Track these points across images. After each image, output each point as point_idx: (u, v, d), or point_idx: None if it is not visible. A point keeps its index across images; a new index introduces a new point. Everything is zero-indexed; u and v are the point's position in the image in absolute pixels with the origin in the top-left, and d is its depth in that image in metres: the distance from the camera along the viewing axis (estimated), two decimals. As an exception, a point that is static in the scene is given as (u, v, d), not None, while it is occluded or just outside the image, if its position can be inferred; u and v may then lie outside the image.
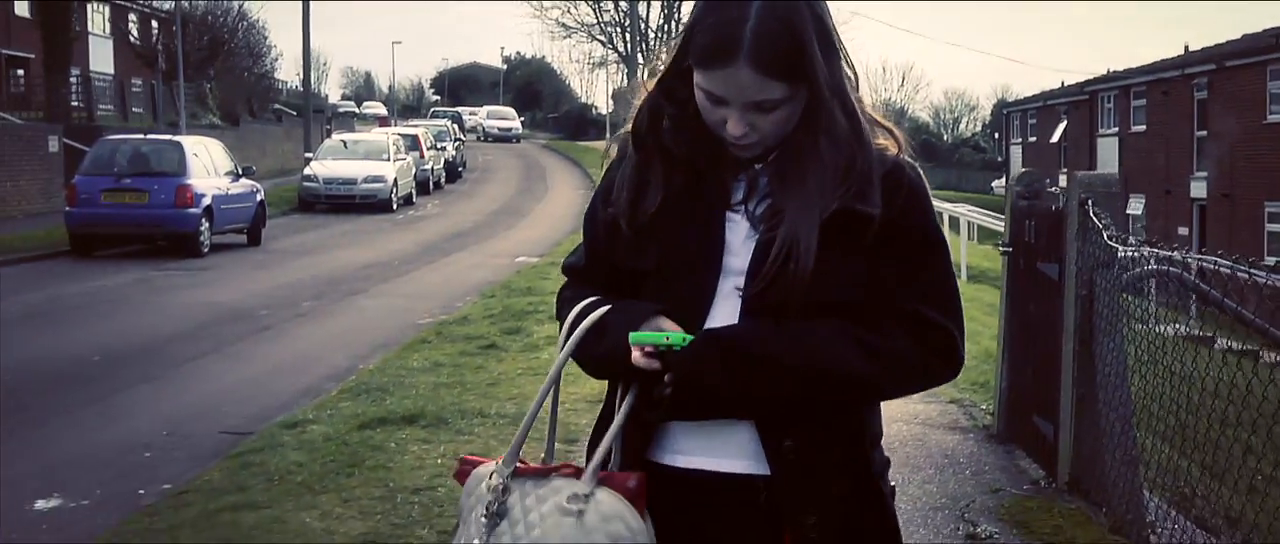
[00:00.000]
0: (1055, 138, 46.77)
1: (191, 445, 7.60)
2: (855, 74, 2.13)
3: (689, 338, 2.03)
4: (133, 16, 54.27)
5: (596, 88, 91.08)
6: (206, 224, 19.96)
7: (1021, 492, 6.04)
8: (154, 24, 52.84)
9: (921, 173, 2.17)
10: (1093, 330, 5.57)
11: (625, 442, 2.11)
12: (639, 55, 54.12)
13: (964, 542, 5.28)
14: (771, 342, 2.03)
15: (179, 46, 31.83)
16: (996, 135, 69.31)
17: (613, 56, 72.85)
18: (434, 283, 16.74)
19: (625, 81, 69.71)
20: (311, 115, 37.61)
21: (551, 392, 2.17)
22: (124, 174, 19.81)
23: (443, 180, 39.23)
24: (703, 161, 2.12)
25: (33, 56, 46.83)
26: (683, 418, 2.10)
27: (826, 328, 2.04)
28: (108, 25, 51.76)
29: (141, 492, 6.55)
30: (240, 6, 50.55)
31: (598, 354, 2.12)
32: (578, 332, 2.12)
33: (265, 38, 58.96)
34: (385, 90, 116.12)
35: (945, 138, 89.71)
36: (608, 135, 59.18)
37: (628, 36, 68.10)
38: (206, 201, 19.91)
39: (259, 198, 22.41)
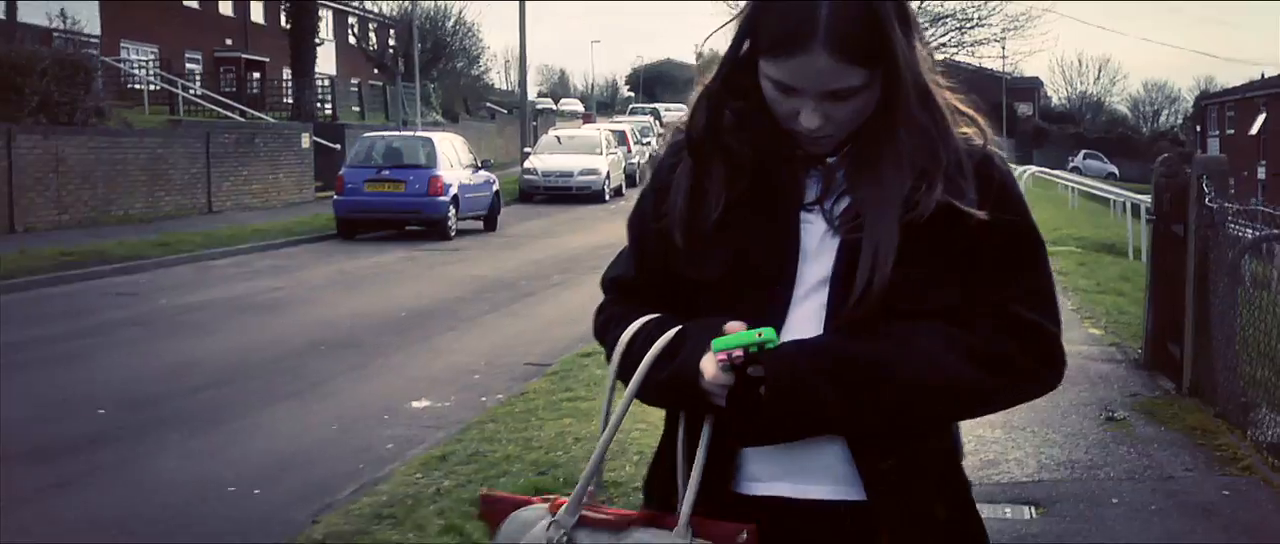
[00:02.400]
0: (1254, 130, 47.04)
1: (507, 372, 9.89)
2: (932, 57, 1.94)
3: (779, 339, 1.80)
4: (351, 20, 58.25)
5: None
6: (454, 211, 22.57)
7: (1153, 396, 7.99)
8: (371, 27, 56.63)
9: (1009, 167, 1.99)
10: (1206, 273, 7.47)
11: (708, 468, 1.87)
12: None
13: (1103, 422, 7.23)
14: (873, 346, 1.81)
15: (415, 51, 34.82)
16: (1198, 128, 69.03)
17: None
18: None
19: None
20: (526, 113, 40.47)
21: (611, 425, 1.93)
22: (383, 166, 22.55)
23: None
24: (771, 159, 1.91)
25: (268, 60, 50.88)
26: (773, 438, 1.87)
27: (931, 332, 1.84)
28: (330, 31, 55.65)
29: (483, 398, 8.83)
30: (460, 11, 53.87)
31: (663, 378, 1.86)
32: (651, 353, 1.86)
33: (480, 39, 62.55)
34: (579, 87, 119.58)
35: (1144, 130, 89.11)
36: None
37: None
38: (454, 191, 22.52)
39: (495, 188, 25.00)
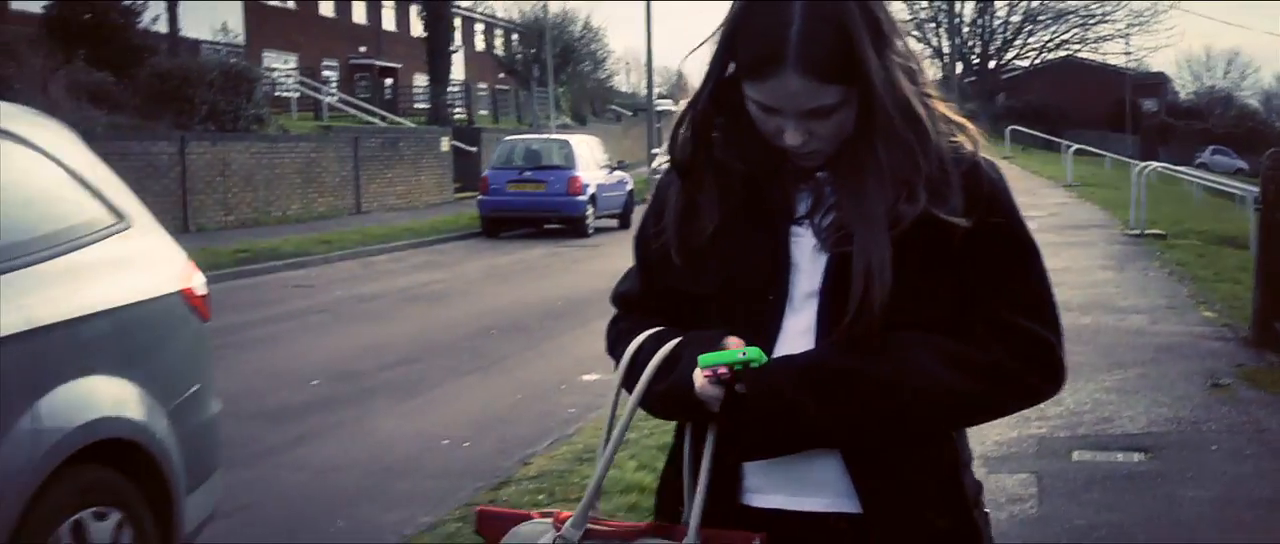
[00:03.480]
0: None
1: (661, 350, 10.93)
2: (917, 65, 1.89)
3: (766, 357, 1.83)
4: (479, 26, 59.96)
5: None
6: (591, 209, 23.74)
7: (1257, 366, 8.80)
8: (499, 33, 58.24)
9: (1001, 171, 1.96)
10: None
11: (712, 483, 1.89)
12: (951, 49, 56.16)
13: (1208, 388, 8.09)
14: (857, 357, 1.83)
15: (548, 56, 36.12)
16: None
17: (927, 51, 74.62)
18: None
19: (939, 75, 71.58)
20: (652, 115, 41.51)
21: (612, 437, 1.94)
22: (524, 168, 23.79)
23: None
24: (762, 174, 1.91)
25: (400, 67, 52.64)
26: (763, 454, 1.88)
27: (916, 342, 1.85)
28: (459, 37, 57.37)
29: (645, 372, 9.87)
30: (588, 15, 55.22)
31: (662, 390, 1.88)
32: (651, 365, 1.89)
33: (606, 43, 64.07)
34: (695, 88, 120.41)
35: (1277, 124, 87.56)
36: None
37: (942, 32, 69.99)
38: (591, 190, 23.69)
39: (629, 187, 26.11)
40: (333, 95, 38.27)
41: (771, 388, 1.81)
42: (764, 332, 1.88)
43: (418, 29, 53.21)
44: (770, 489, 1.93)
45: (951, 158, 1.88)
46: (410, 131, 33.01)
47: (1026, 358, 1.88)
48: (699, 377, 1.82)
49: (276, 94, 38.78)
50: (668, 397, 1.89)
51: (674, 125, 1.97)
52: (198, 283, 4.62)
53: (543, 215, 23.77)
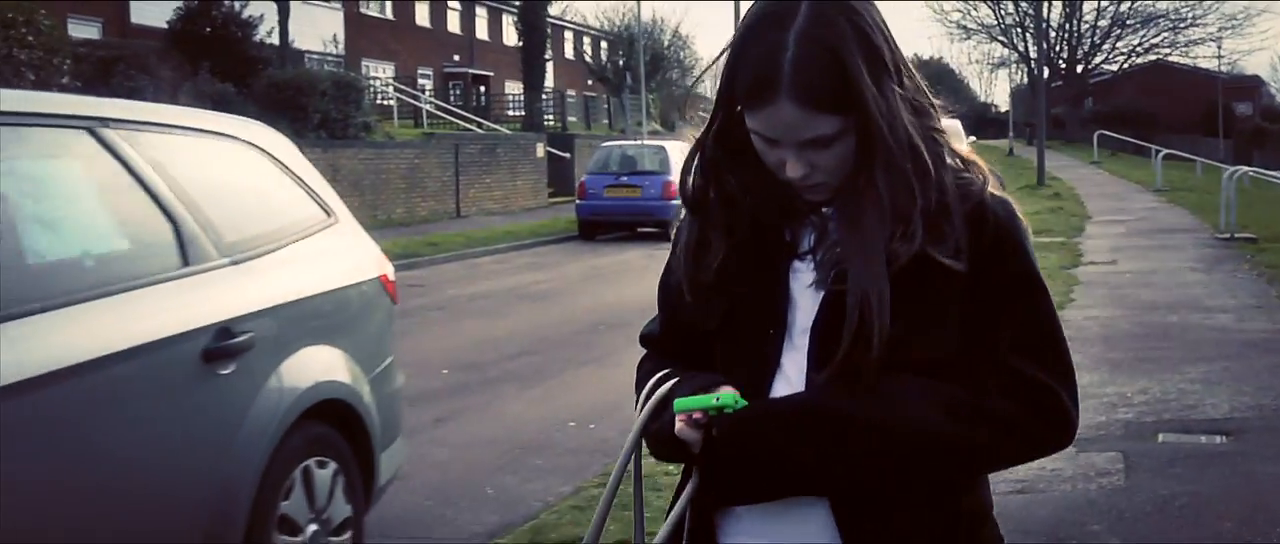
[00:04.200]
0: None
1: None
2: (928, 101, 1.85)
3: (744, 402, 1.78)
4: (568, 34, 60.95)
5: (996, 87, 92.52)
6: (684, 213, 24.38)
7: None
8: (588, 41, 59.13)
9: (1014, 208, 1.87)
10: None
11: (692, 527, 1.89)
12: (1037, 54, 56.05)
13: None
14: (844, 400, 1.76)
15: (641, 64, 36.86)
16: None
17: (1013, 57, 74.47)
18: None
19: (1026, 81, 71.37)
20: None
21: (628, 473, 1.88)
22: (620, 173, 24.53)
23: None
24: (768, 210, 1.86)
25: (492, 74, 53.64)
26: (740, 499, 1.85)
27: (910, 385, 1.78)
28: (550, 46, 58.38)
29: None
30: (677, 25, 55.99)
31: (654, 430, 1.87)
32: (646, 408, 1.88)
33: (694, 51, 64.77)
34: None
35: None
36: (1009, 134, 60.90)
37: (1028, 36, 69.80)
38: (686, 195, 24.37)
39: (721, 192, 26.77)
40: (429, 103, 39.24)
41: (744, 433, 1.78)
42: (763, 368, 1.85)
43: (509, 37, 54.29)
44: (757, 534, 1.87)
45: (956, 195, 1.82)
46: (507, 138, 33.89)
47: (1030, 405, 1.80)
48: (678, 420, 1.80)
49: (380, 102, 39.92)
50: (658, 438, 1.88)
51: (686, 159, 1.96)
52: (389, 270, 5.33)
53: (638, 219, 24.49)
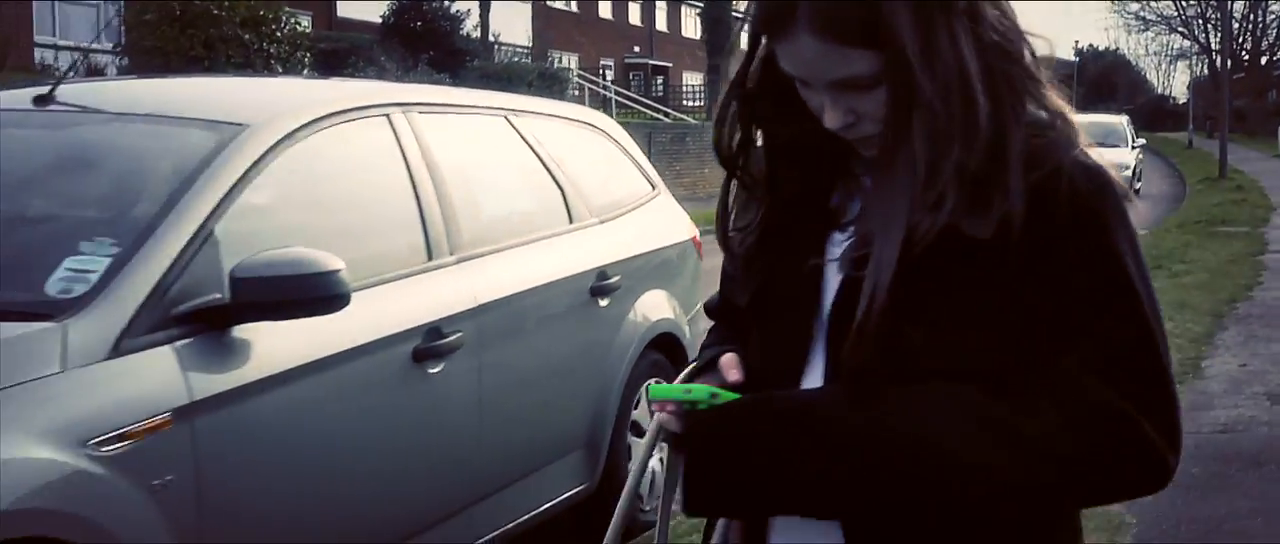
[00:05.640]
0: None
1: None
2: (1013, 36, 1.47)
3: (725, 395, 1.51)
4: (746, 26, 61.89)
5: (1175, 79, 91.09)
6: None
7: None
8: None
9: (1109, 179, 1.47)
10: None
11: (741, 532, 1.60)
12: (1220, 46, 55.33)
13: None
14: (848, 405, 1.44)
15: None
16: None
17: (1194, 48, 73.42)
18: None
19: (1206, 73, 70.30)
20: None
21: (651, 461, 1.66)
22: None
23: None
24: (821, 165, 1.56)
25: (670, 65, 54.99)
26: (708, 510, 1.55)
27: (941, 395, 1.42)
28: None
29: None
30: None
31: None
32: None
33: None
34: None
35: None
36: (1188, 127, 60.17)
37: (1210, 28, 68.79)
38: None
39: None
40: (617, 92, 40.71)
41: (711, 434, 1.49)
42: (793, 359, 1.56)
43: (688, 29, 55.62)
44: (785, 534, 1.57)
45: (1021, 155, 1.45)
46: (695, 127, 35.10)
47: (1091, 432, 1.41)
48: (655, 410, 1.58)
49: (568, 94, 41.57)
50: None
51: (719, 107, 1.63)
52: (697, 234, 6.54)
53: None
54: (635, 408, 5.57)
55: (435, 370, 4.18)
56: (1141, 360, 1.44)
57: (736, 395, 1.52)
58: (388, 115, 4.53)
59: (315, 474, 3.72)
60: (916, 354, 1.45)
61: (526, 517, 4.85)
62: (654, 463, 5.67)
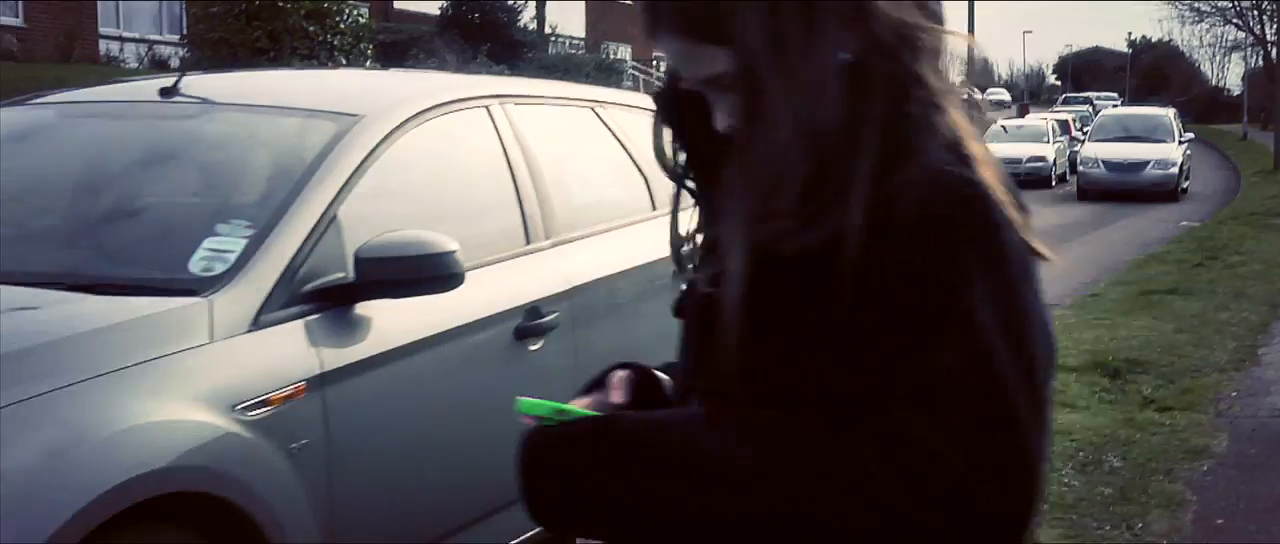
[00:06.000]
0: None
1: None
2: (905, 22, 1.34)
3: (574, 412, 1.45)
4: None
5: (1229, 71, 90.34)
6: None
7: None
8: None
9: (969, 194, 1.30)
10: None
11: None
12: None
13: None
14: (660, 429, 1.38)
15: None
16: None
17: (1248, 40, 72.68)
18: (1119, 238, 21.13)
19: (1260, 64, 69.60)
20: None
21: None
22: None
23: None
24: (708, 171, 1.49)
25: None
26: (550, 526, 1.45)
27: (765, 425, 1.32)
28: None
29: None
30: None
31: None
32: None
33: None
34: (1003, 76, 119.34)
35: None
36: (1243, 119, 59.68)
37: (1265, 20, 68.12)
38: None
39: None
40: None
41: (538, 450, 1.43)
42: (685, 373, 1.52)
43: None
44: None
45: (873, 165, 1.32)
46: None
47: (904, 474, 1.26)
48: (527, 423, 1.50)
49: (621, 85, 41.87)
50: None
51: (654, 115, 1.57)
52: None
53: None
54: (712, 388, 5.81)
55: (535, 348, 4.44)
56: (971, 396, 1.26)
57: (585, 413, 1.46)
58: (487, 107, 4.79)
59: (430, 440, 4.00)
60: (769, 374, 1.36)
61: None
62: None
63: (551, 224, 4.80)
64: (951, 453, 1.25)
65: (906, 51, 1.35)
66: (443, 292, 3.81)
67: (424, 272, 3.74)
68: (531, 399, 1.48)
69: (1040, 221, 1.48)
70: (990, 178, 1.34)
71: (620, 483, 1.36)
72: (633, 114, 5.90)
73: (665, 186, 5.10)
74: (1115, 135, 29.43)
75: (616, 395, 1.52)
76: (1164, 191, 27.38)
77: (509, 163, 4.74)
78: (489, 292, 4.29)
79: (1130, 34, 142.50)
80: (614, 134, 5.59)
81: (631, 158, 5.61)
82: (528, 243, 4.67)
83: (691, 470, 1.33)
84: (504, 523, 4.28)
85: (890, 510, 1.26)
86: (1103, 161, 28.16)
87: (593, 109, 5.58)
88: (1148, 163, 27.78)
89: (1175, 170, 27.95)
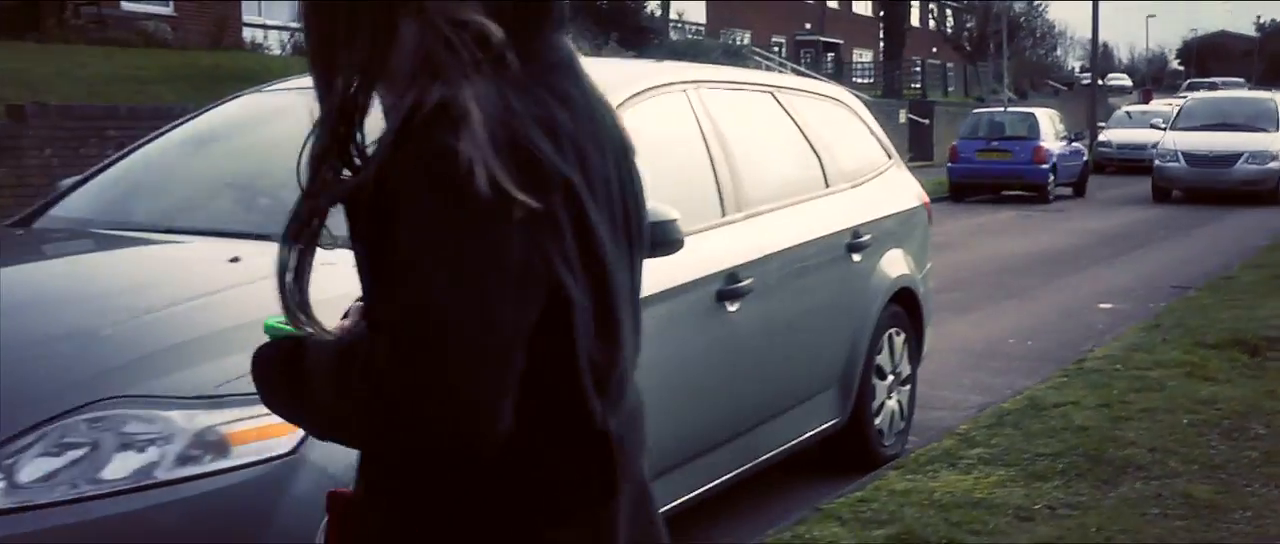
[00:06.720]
0: None
1: (1151, 292, 12.84)
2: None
3: (286, 330, 1.66)
4: (932, 7, 61.90)
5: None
6: (1052, 177, 25.51)
7: None
8: (932, 9, 59.89)
9: (432, 158, 1.42)
10: None
11: None
12: None
13: None
14: (316, 352, 1.58)
15: (1004, 33, 37.88)
16: None
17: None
18: (1231, 229, 21.05)
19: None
20: (1097, 90, 42.54)
21: None
22: (991, 138, 25.83)
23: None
24: None
25: (841, 42, 55.17)
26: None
27: (337, 349, 1.56)
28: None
29: (1150, 304, 11.88)
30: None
31: None
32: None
33: (1048, 19, 64.87)
34: (1124, 61, 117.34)
35: None
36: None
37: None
38: (1053, 159, 25.48)
39: (1084, 158, 27.68)
40: (792, 68, 41.25)
41: (253, 360, 1.69)
42: None
43: (859, 6, 55.72)
44: None
45: (393, 100, 1.49)
46: (871, 104, 35.46)
47: (368, 387, 1.48)
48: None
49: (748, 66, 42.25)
50: None
51: None
52: (927, 199, 7.18)
53: (1007, 182, 25.69)
54: (878, 354, 6.25)
55: (733, 309, 4.93)
56: (412, 330, 1.44)
57: (292, 332, 1.65)
58: (686, 91, 5.28)
59: (651, 391, 4.47)
60: (369, 308, 1.60)
61: (790, 444, 5.58)
62: (891, 403, 6.38)
63: (742, 198, 5.27)
64: (392, 373, 1.44)
65: (446, 24, 1.50)
66: (666, 255, 4.27)
67: (653, 237, 4.22)
68: (274, 318, 1.69)
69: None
70: (474, 143, 1.43)
71: (285, 391, 1.65)
72: (805, 98, 6.36)
73: (838, 164, 5.54)
74: (1206, 123, 25.49)
75: (349, 321, 1.74)
76: (1263, 190, 23.85)
77: (706, 141, 5.22)
78: (694, 258, 4.75)
79: (1259, 17, 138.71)
80: (790, 116, 6.05)
81: (806, 138, 6.07)
82: (723, 215, 5.14)
83: (307, 383, 1.59)
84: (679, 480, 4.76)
85: (365, 415, 1.49)
86: (1182, 154, 24.49)
87: (772, 93, 6.04)
88: (1240, 156, 24.04)
89: (1276, 165, 24.14)
